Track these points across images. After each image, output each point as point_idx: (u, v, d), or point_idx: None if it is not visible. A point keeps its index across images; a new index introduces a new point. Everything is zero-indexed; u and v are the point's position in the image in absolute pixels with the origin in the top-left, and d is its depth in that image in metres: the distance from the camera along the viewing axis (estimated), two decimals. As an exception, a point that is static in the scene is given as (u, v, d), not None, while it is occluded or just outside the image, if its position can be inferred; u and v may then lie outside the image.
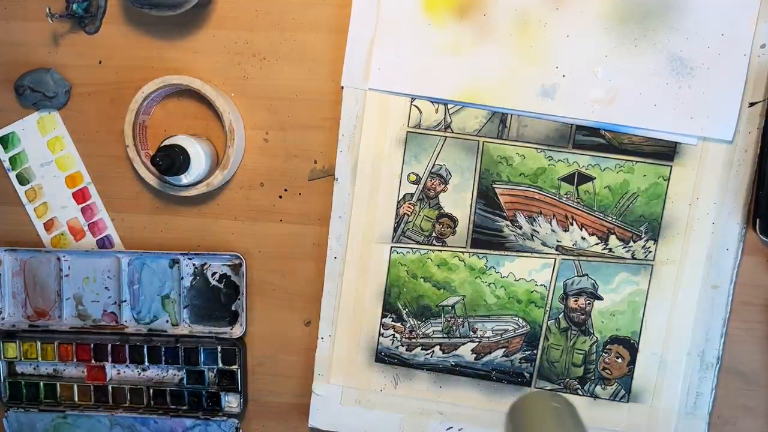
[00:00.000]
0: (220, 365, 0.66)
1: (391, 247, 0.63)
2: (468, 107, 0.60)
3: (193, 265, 0.66)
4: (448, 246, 0.62)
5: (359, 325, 0.64)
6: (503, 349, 0.63)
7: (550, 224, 0.61)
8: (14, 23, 0.66)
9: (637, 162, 0.60)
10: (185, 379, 0.67)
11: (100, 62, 0.65)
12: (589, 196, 0.60)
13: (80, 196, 0.67)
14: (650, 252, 0.60)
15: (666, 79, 0.58)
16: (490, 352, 0.63)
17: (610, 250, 0.61)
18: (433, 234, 0.62)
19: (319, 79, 0.62)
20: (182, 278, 0.66)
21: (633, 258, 0.61)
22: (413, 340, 0.64)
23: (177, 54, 0.64)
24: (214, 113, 0.63)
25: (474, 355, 0.63)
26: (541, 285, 0.62)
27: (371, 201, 0.62)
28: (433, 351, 0.63)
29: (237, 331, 0.65)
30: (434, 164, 0.62)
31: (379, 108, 0.61)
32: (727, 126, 0.57)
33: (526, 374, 0.63)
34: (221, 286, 0.66)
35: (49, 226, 0.68)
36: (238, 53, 0.63)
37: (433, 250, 0.62)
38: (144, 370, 0.68)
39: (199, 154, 0.61)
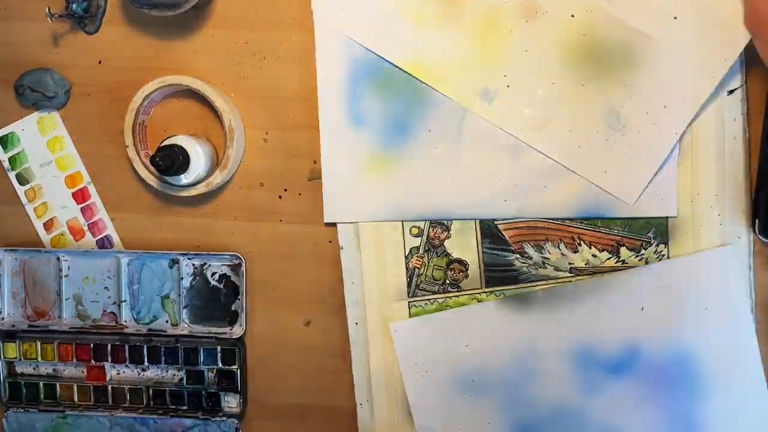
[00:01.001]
0: (220, 365, 0.66)
1: (409, 302, 0.63)
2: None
3: (193, 265, 0.66)
4: (464, 290, 0.62)
5: (394, 385, 0.64)
6: None
7: (559, 248, 0.61)
8: (14, 23, 0.66)
9: None
10: (185, 379, 0.67)
11: (100, 62, 0.65)
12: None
13: (80, 196, 0.67)
14: (663, 255, 0.60)
15: (597, 127, 0.59)
16: None
17: (624, 261, 0.61)
18: (447, 281, 0.63)
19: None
20: (182, 278, 0.66)
21: (647, 264, 0.60)
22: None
23: (177, 54, 0.64)
24: (213, 113, 0.63)
25: None
26: None
27: (379, 262, 0.63)
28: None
29: (237, 331, 0.65)
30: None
31: None
32: (631, 192, 0.59)
33: None
34: (221, 286, 0.66)
35: (48, 226, 0.68)
36: (238, 53, 0.63)
37: (450, 297, 0.63)
38: (144, 370, 0.68)
39: (198, 154, 0.61)
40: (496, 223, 0.61)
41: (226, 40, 0.63)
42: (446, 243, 0.62)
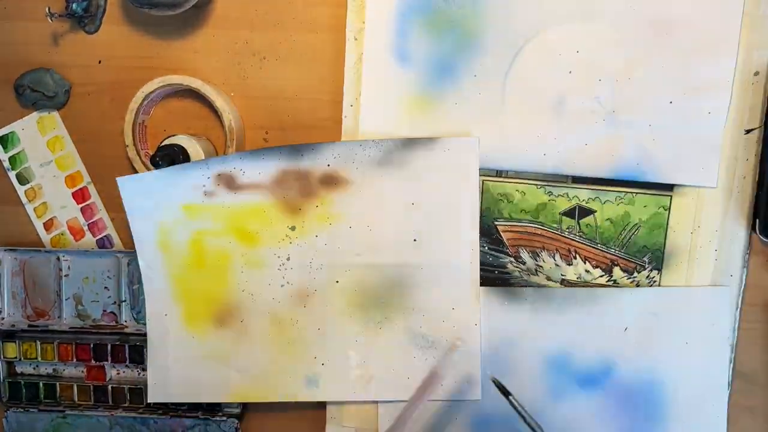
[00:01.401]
0: (220, 365, 0.66)
1: None
2: None
3: (193, 265, 0.66)
4: None
5: None
6: None
7: (554, 258, 0.61)
8: (14, 23, 0.66)
9: (637, 194, 0.60)
10: (185, 379, 0.67)
11: (100, 62, 0.65)
12: (590, 229, 0.61)
13: (80, 195, 0.67)
14: (655, 282, 0.61)
15: (413, 354, 0.61)
16: None
17: (615, 281, 0.61)
18: None
19: (319, 78, 0.62)
20: (182, 278, 0.66)
21: (638, 287, 0.61)
22: None
23: (177, 54, 0.64)
24: (213, 113, 0.63)
25: None
26: None
27: None
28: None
29: (237, 331, 0.65)
30: None
31: None
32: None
33: None
34: (221, 286, 0.66)
35: (48, 225, 0.68)
36: (238, 53, 0.63)
37: None
38: (144, 369, 0.68)
39: (198, 154, 0.61)
40: (495, 223, 0.61)
41: (226, 40, 0.63)
42: None
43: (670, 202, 0.60)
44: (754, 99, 0.57)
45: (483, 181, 0.61)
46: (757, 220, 0.59)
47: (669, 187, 0.59)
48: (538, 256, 0.61)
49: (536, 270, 0.62)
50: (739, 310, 0.60)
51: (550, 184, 0.60)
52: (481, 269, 0.62)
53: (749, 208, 0.59)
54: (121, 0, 0.64)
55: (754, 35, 0.57)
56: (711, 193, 0.59)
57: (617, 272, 0.61)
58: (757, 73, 0.57)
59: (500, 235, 0.62)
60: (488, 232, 0.62)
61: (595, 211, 0.60)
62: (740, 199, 0.59)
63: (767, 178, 0.58)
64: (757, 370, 0.61)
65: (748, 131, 0.58)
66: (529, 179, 0.61)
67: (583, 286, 0.61)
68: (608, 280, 0.61)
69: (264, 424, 0.68)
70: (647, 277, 0.60)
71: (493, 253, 0.62)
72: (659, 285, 0.60)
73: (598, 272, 0.61)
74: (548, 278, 0.62)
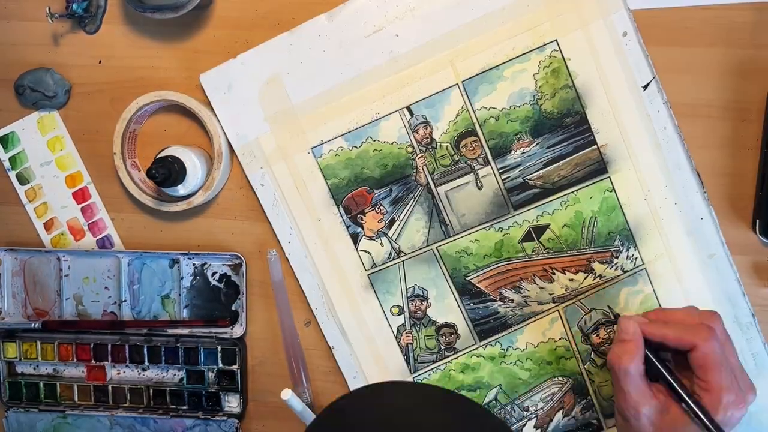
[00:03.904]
0: (220, 365, 0.66)
1: (413, 378, 0.64)
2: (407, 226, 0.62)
3: (193, 264, 0.66)
4: (460, 351, 0.63)
5: None
6: (561, 411, 0.63)
7: (536, 283, 0.62)
8: (14, 23, 0.66)
9: (577, 190, 0.60)
10: (185, 379, 0.67)
11: (100, 62, 0.65)
12: (553, 242, 0.61)
13: (80, 195, 0.67)
14: (636, 258, 0.61)
15: None
16: (551, 420, 0.63)
17: (601, 276, 0.61)
18: (442, 347, 0.63)
19: (320, 79, 0.62)
20: (182, 278, 0.66)
21: (624, 272, 0.61)
22: None
23: (177, 54, 0.64)
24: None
25: (539, 430, 0.63)
26: (560, 339, 0.62)
27: (373, 351, 0.64)
28: None
29: (237, 331, 0.65)
30: (407, 289, 0.63)
31: (333, 268, 0.63)
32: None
33: (593, 421, 0.63)
34: (221, 286, 0.66)
35: (49, 225, 0.68)
36: (239, 53, 0.63)
37: (450, 361, 0.63)
38: (144, 370, 0.68)
39: (195, 165, 0.61)
40: (468, 278, 0.62)
41: (226, 40, 0.63)
42: (429, 312, 0.63)
43: (612, 183, 0.60)
44: (635, 56, 0.58)
45: (437, 247, 0.62)
46: (758, 221, 0.59)
47: (603, 170, 0.60)
48: (520, 288, 0.62)
49: (525, 301, 0.62)
50: (725, 245, 0.60)
51: (496, 221, 0.61)
52: (476, 325, 0.63)
53: (684, 152, 0.59)
54: (121, 0, 0.64)
55: (605, 1, 0.58)
56: (643, 155, 0.59)
57: (598, 267, 0.61)
58: (625, 33, 0.58)
59: (478, 287, 0.62)
60: (466, 290, 0.62)
61: (549, 224, 0.61)
62: (672, 148, 0.59)
63: (767, 179, 0.58)
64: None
65: (645, 86, 0.58)
66: (475, 226, 0.61)
67: (575, 297, 0.61)
68: (595, 278, 0.61)
69: (264, 424, 0.68)
70: (627, 257, 0.61)
71: (479, 306, 0.62)
72: (642, 261, 0.61)
73: (581, 276, 0.61)
74: (540, 303, 0.62)
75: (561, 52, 0.59)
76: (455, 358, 0.63)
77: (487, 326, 0.63)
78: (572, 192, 0.60)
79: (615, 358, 0.53)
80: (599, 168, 0.60)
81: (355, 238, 0.62)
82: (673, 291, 0.61)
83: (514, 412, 0.63)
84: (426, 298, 0.63)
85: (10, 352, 0.68)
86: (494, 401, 0.63)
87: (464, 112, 0.60)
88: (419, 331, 0.63)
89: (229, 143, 0.63)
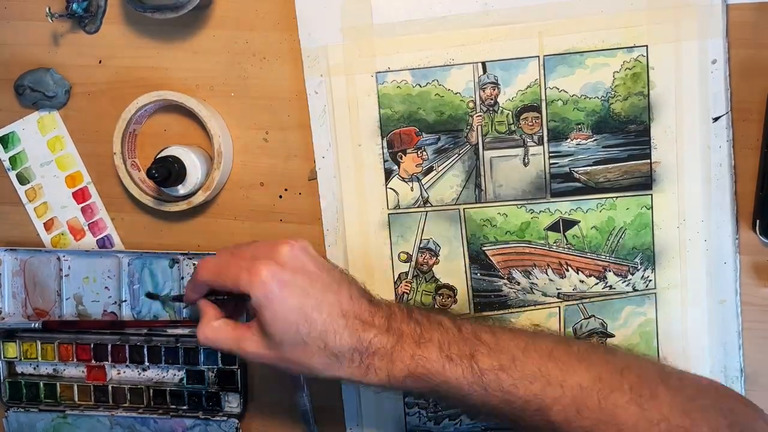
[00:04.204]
0: (220, 365, 0.66)
1: None
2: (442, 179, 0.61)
3: (193, 264, 0.66)
4: None
5: (383, 411, 0.64)
6: None
7: (547, 274, 0.61)
8: (14, 23, 0.66)
9: (617, 197, 0.60)
10: (185, 379, 0.67)
11: (100, 62, 0.65)
12: (577, 239, 0.61)
13: (80, 195, 0.67)
14: (650, 281, 0.60)
15: None
16: None
17: (611, 287, 0.61)
18: (436, 306, 0.63)
19: (320, 78, 0.62)
20: (182, 278, 0.66)
21: (635, 290, 0.61)
22: (439, 413, 0.64)
23: (177, 54, 0.64)
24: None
25: None
26: None
27: (370, 287, 0.62)
28: (460, 420, 0.64)
29: (237, 331, 0.65)
30: (421, 239, 0.62)
31: (357, 196, 0.62)
32: None
33: None
34: (221, 286, 0.66)
35: (49, 225, 0.68)
36: (239, 53, 0.63)
37: None
38: (144, 370, 0.68)
39: (194, 164, 0.61)
40: (484, 249, 0.61)
41: (226, 40, 0.63)
42: (435, 269, 0.62)
43: (652, 201, 0.60)
44: (716, 87, 0.57)
45: (463, 209, 0.61)
46: (758, 221, 0.59)
47: (648, 186, 0.59)
48: (531, 274, 0.61)
49: (531, 288, 0.62)
50: (739, 296, 0.60)
51: (530, 202, 0.61)
52: (476, 295, 0.62)
53: (731, 193, 0.59)
54: (121, 0, 0.64)
55: (706, 24, 0.57)
56: (690, 184, 0.59)
57: (611, 277, 0.61)
58: (714, 61, 0.57)
59: (490, 260, 0.62)
60: (478, 258, 0.62)
61: (579, 221, 0.60)
62: (720, 186, 0.59)
63: (767, 180, 0.58)
64: (758, 371, 0.61)
65: (716, 119, 0.58)
66: (508, 200, 0.61)
67: (580, 299, 0.61)
68: (604, 287, 0.61)
69: (264, 424, 0.68)
70: (642, 277, 0.60)
71: (486, 278, 0.62)
72: (655, 285, 0.60)
73: (592, 280, 0.61)
74: (544, 294, 0.61)
75: (647, 59, 0.58)
76: None
77: (487, 300, 0.62)
78: (612, 197, 0.60)
79: (200, 335, 0.53)
80: (645, 183, 0.59)
81: (388, 174, 0.61)
82: (675, 323, 0.60)
83: None
84: (437, 254, 0.62)
85: (10, 352, 0.68)
86: None
87: (535, 86, 0.59)
88: (419, 284, 0.62)
89: (230, 143, 0.63)
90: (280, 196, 0.65)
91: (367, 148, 0.61)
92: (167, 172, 0.59)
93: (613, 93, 0.59)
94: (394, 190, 0.62)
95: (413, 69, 0.60)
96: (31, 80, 0.65)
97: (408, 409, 0.64)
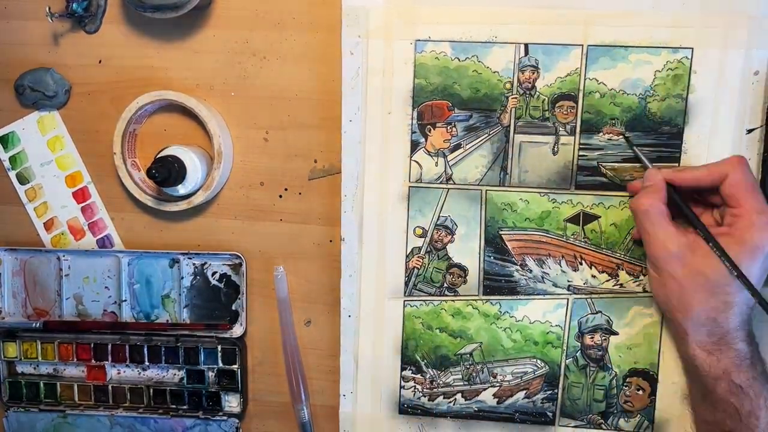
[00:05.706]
0: (220, 365, 0.66)
1: (404, 301, 0.63)
2: (468, 158, 0.60)
3: (193, 264, 0.66)
4: (460, 295, 0.62)
5: (379, 380, 0.64)
6: (524, 391, 0.63)
7: (560, 265, 0.61)
8: (14, 23, 0.66)
9: None
10: (185, 379, 0.67)
11: (100, 62, 0.65)
12: (595, 234, 0.60)
13: (80, 195, 0.67)
14: None
15: None
16: (511, 395, 0.63)
17: (621, 285, 0.61)
18: (445, 284, 0.62)
19: (319, 78, 0.62)
20: (182, 278, 0.66)
21: (644, 291, 0.60)
22: (435, 390, 0.63)
23: (177, 53, 0.64)
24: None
25: (496, 400, 0.63)
26: (556, 325, 0.62)
27: (380, 258, 0.62)
28: (455, 399, 0.63)
29: (237, 330, 0.65)
30: (439, 216, 0.62)
31: (379, 165, 0.61)
32: None
33: (549, 414, 0.63)
34: (221, 285, 0.66)
35: (49, 225, 0.68)
36: (238, 53, 0.63)
37: (446, 301, 0.63)
38: (144, 369, 0.68)
39: (195, 164, 0.61)
40: (501, 233, 0.61)
41: (226, 39, 0.63)
42: (449, 247, 0.62)
43: None
44: (754, 99, 0.57)
45: (486, 191, 0.61)
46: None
47: None
48: (544, 263, 0.61)
49: (542, 277, 0.61)
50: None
51: (553, 191, 0.60)
52: (486, 278, 0.62)
53: None
54: (121, 0, 0.64)
55: (755, 35, 0.57)
56: None
57: (623, 276, 0.61)
58: (756, 73, 0.57)
59: (505, 244, 0.61)
60: (493, 241, 0.61)
61: (600, 217, 0.60)
62: None
63: (767, 181, 0.58)
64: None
65: (749, 131, 0.58)
66: (532, 187, 0.60)
67: (589, 294, 0.61)
68: (615, 285, 0.61)
69: (264, 424, 0.68)
70: None
71: (498, 262, 0.62)
72: None
73: (604, 277, 0.61)
74: (554, 285, 0.61)
75: (691, 62, 0.57)
76: (452, 301, 0.62)
77: (496, 284, 0.62)
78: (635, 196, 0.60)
79: (635, 202, 0.55)
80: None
81: (414, 146, 0.61)
82: None
83: (482, 373, 0.63)
84: (452, 233, 0.62)
85: (11, 352, 0.68)
86: (468, 355, 0.63)
87: (575, 74, 0.59)
88: (431, 260, 0.62)
89: (230, 142, 0.63)
90: (280, 196, 0.65)
91: (397, 116, 0.61)
92: (167, 172, 0.59)
93: (652, 92, 0.58)
94: (418, 163, 0.61)
95: (454, 42, 0.59)
96: (31, 80, 0.65)
97: (404, 383, 0.64)
